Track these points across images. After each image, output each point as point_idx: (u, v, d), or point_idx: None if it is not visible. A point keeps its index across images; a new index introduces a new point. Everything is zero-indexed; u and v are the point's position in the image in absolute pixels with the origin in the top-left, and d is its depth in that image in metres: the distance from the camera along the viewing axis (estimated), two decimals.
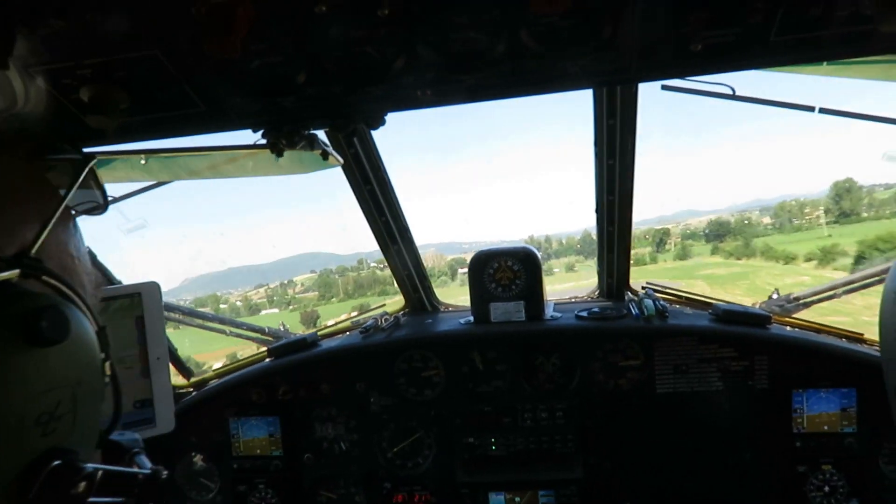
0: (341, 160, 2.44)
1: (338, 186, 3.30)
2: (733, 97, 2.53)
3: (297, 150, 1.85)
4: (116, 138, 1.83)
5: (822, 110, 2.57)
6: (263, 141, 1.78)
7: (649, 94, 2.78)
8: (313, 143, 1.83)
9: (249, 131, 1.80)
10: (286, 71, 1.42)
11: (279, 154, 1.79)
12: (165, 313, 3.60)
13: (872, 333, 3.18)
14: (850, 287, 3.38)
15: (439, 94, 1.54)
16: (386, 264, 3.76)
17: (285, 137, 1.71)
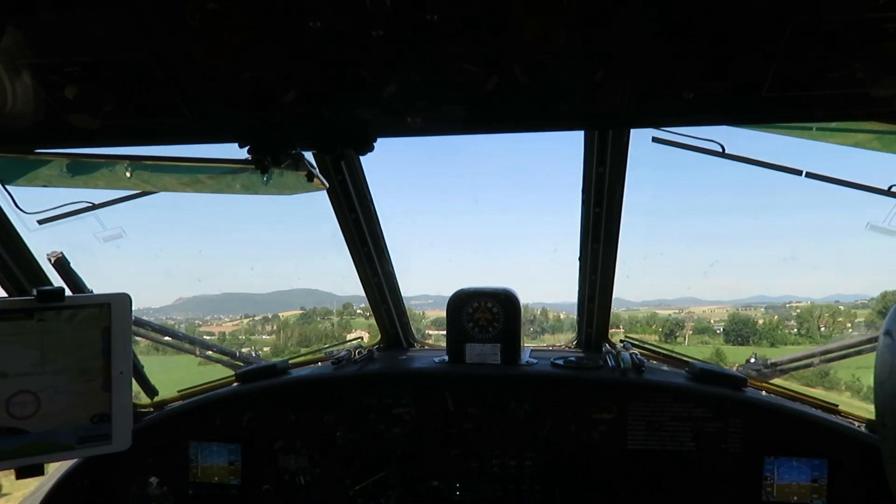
0: (326, 184, 2.43)
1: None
2: (723, 155, 2.55)
3: (282, 168, 1.83)
4: (101, 141, 1.81)
5: (808, 174, 2.59)
6: (249, 157, 1.77)
7: (640, 146, 2.80)
8: (299, 163, 1.82)
9: (236, 148, 1.79)
10: (276, 86, 1.41)
11: (264, 171, 1.77)
12: (135, 328, 3.53)
13: (846, 405, 3.18)
14: (829, 356, 3.38)
15: (429, 124, 1.53)
16: (370, 312, 3.74)
17: (271, 155, 1.70)
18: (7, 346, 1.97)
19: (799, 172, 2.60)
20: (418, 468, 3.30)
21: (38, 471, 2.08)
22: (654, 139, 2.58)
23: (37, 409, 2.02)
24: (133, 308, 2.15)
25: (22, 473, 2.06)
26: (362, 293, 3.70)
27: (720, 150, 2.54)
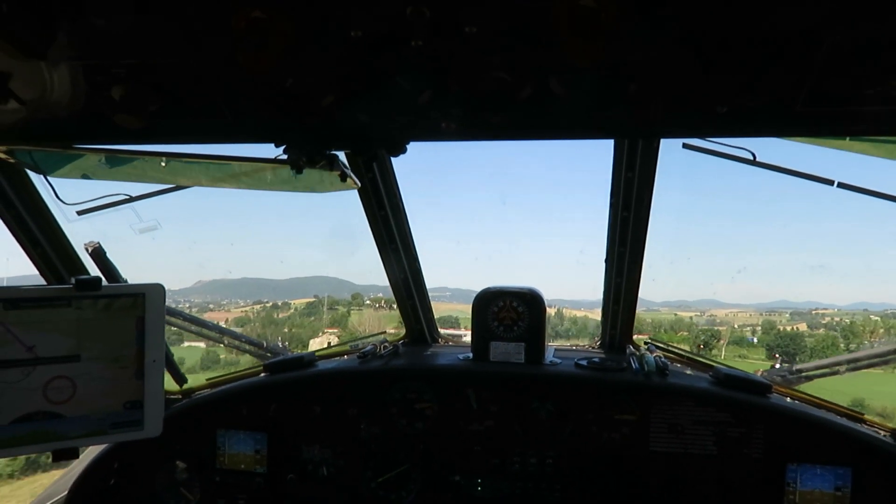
0: (359, 183, 2.46)
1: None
2: (754, 163, 2.53)
3: (316, 168, 1.87)
4: (141, 139, 1.86)
5: (840, 185, 2.57)
6: (285, 156, 1.81)
7: (669, 153, 2.79)
8: (333, 163, 1.85)
9: (269, 145, 1.83)
10: (315, 91, 1.44)
11: (299, 171, 1.81)
12: (169, 318, 3.60)
13: (872, 414, 3.15)
14: (855, 365, 3.35)
15: (463, 130, 1.56)
16: (380, 303, 3.77)
17: (307, 156, 1.73)
18: (45, 333, 2.02)
19: (831, 182, 2.58)
20: (440, 463, 3.33)
21: (73, 454, 2.14)
22: (685, 146, 2.57)
23: (72, 394, 2.07)
24: None
25: (58, 456, 2.12)
26: (380, 283, 3.72)
27: (751, 157, 2.52)
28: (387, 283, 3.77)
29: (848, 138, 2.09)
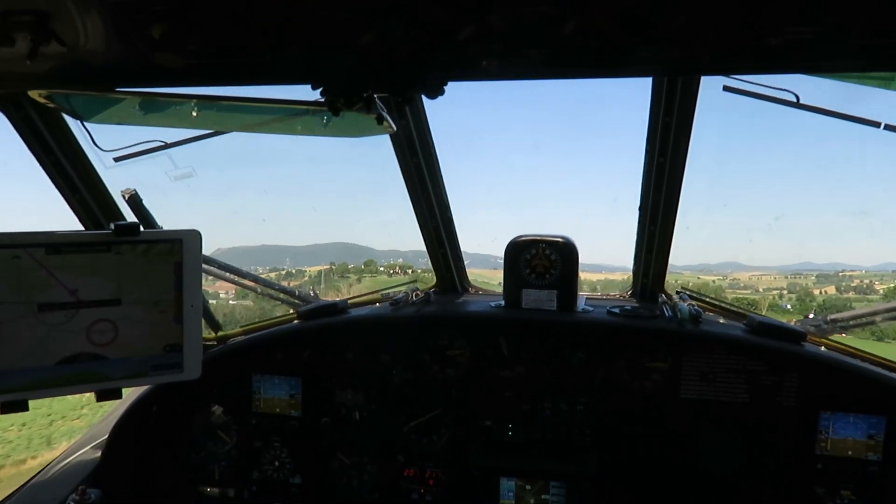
0: (394, 127, 2.44)
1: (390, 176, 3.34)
2: (797, 105, 2.46)
3: (353, 111, 1.85)
4: (182, 80, 1.85)
5: (887, 127, 2.49)
6: (321, 99, 1.79)
7: (709, 97, 2.72)
8: (370, 106, 1.83)
9: (303, 89, 1.81)
10: (354, 28, 1.41)
11: (336, 113, 1.79)
12: (204, 266, 3.65)
13: None
14: (893, 314, 3.31)
15: (504, 68, 1.52)
16: (394, 269, 3.78)
17: (344, 97, 1.72)
18: (87, 277, 2.06)
19: (878, 124, 2.51)
20: (471, 409, 3.38)
21: (116, 394, 2.20)
22: (726, 88, 2.50)
23: (114, 337, 2.12)
24: None
25: (101, 396, 2.18)
26: (401, 248, 3.74)
27: (795, 99, 2.45)
28: (407, 248, 3.79)
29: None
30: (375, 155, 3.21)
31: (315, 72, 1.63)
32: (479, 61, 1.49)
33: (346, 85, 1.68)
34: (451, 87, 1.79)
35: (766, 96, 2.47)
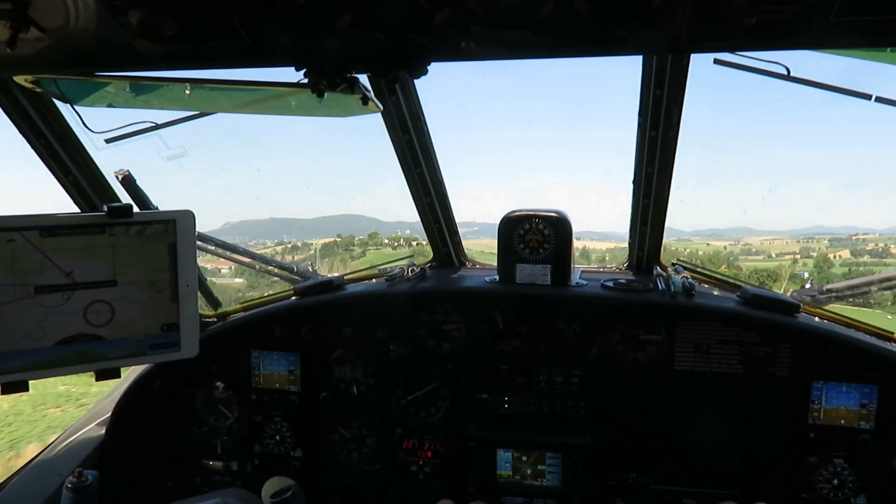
0: (381, 106, 2.44)
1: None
2: (788, 77, 2.44)
3: (337, 92, 1.85)
4: (162, 65, 1.86)
5: (878, 99, 2.47)
6: (305, 80, 1.79)
7: (700, 70, 2.70)
8: (354, 86, 1.84)
9: (292, 71, 1.81)
10: (332, 10, 1.42)
11: (320, 95, 1.80)
12: (198, 244, 3.68)
13: None
14: (889, 284, 3.32)
15: (483, 49, 1.52)
16: (398, 242, 3.78)
17: (327, 79, 1.72)
18: (82, 259, 2.07)
19: (868, 97, 2.49)
20: (467, 382, 3.42)
21: (115, 374, 2.22)
22: (716, 61, 2.47)
23: (111, 317, 2.14)
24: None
25: (101, 376, 2.20)
26: (410, 219, 3.74)
27: (785, 72, 2.43)
28: (414, 219, 3.80)
29: (889, 49, 2.01)
30: (376, 127, 3.20)
31: (295, 54, 1.63)
32: (459, 42, 1.49)
33: (328, 66, 1.68)
34: (440, 63, 1.79)
35: (757, 69, 2.45)
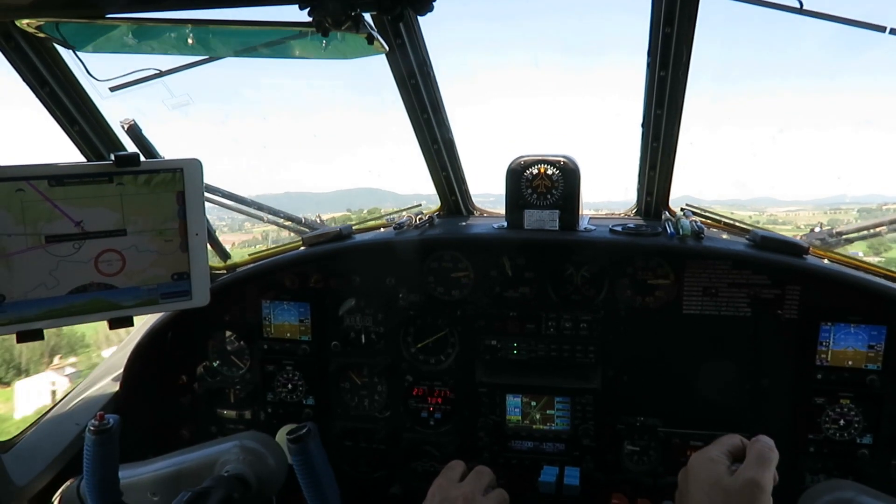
0: (386, 47, 2.40)
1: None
2: (800, 11, 2.39)
3: (342, 31, 1.82)
4: (167, 4, 1.83)
5: (893, 31, 2.42)
6: (310, 19, 1.76)
7: (711, 4, 2.64)
8: (359, 24, 1.81)
9: (296, 11, 1.78)
10: None
11: (325, 34, 1.77)
12: (208, 195, 3.68)
13: None
14: None
15: None
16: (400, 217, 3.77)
17: (331, 16, 1.69)
18: (91, 208, 2.08)
19: (882, 29, 2.44)
20: (476, 329, 3.45)
21: (128, 322, 2.24)
22: None
23: (122, 266, 2.15)
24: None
25: (115, 324, 2.22)
26: (423, 192, 3.74)
27: (798, 5, 2.38)
28: (431, 191, 3.79)
29: None
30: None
31: None
32: None
33: (333, 3, 1.65)
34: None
35: (769, 2, 2.41)
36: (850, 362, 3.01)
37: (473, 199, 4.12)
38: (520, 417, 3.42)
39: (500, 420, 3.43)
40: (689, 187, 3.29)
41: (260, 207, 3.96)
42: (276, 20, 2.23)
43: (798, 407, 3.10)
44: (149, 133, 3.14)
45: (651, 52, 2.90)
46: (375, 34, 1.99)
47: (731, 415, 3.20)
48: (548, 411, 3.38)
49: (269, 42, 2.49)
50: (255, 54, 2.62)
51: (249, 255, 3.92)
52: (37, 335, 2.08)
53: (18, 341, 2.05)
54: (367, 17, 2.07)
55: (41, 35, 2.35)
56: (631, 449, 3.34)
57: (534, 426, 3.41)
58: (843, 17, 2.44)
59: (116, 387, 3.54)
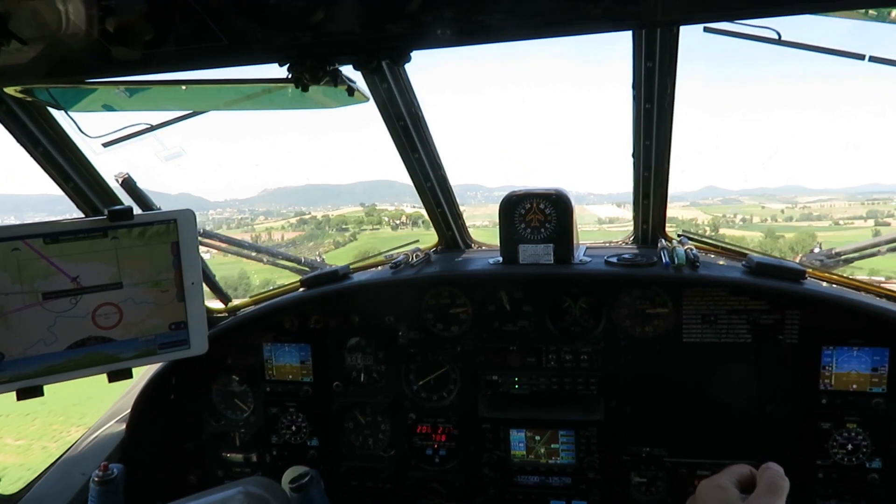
0: (368, 96, 2.44)
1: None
2: (779, 42, 2.41)
3: (321, 85, 1.86)
4: (145, 69, 1.87)
5: (872, 59, 2.44)
6: (289, 76, 1.80)
7: (692, 38, 2.67)
8: (337, 78, 1.85)
9: (278, 67, 1.82)
10: (306, 5, 1.42)
11: (304, 89, 1.81)
12: (206, 240, 3.73)
13: None
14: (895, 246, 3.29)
15: (461, 34, 1.52)
16: (400, 220, 3.78)
17: (309, 72, 1.73)
18: (86, 263, 2.11)
19: (861, 57, 2.45)
20: (477, 364, 3.44)
21: (127, 375, 2.27)
22: (707, 28, 2.44)
23: (119, 319, 2.18)
24: (221, 199, 2.26)
25: (113, 377, 2.25)
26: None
27: (776, 37, 2.40)
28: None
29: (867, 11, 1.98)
30: None
31: (274, 50, 1.64)
32: (436, 30, 1.49)
33: (308, 60, 1.69)
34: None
35: (748, 34, 2.42)
36: (854, 385, 2.98)
37: (466, 195, 4.11)
38: (524, 452, 3.40)
39: (505, 455, 3.41)
40: (713, 178, 3.27)
41: (258, 250, 3.99)
42: (257, 77, 2.27)
43: (805, 432, 3.07)
44: (144, 184, 3.19)
45: (636, 86, 2.93)
46: (355, 86, 2.03)
47: (738, 442, 3.17)
48: (552, 445, 3.36)
49: (254, 95, 2.54)
50: (241, 107, 2.67)
51: (250, 297, 3.94)
52: (37, 392, 2.10)
53: (18, 399, 2.08)
54: (350, 68, 2.11)
55: (30, 98, 2.40)
56: (638, 480, 3.31)
57: (539, 460, 3.39)
58: (821, 46, 2.45)
59: (123, 429, 3.55)
